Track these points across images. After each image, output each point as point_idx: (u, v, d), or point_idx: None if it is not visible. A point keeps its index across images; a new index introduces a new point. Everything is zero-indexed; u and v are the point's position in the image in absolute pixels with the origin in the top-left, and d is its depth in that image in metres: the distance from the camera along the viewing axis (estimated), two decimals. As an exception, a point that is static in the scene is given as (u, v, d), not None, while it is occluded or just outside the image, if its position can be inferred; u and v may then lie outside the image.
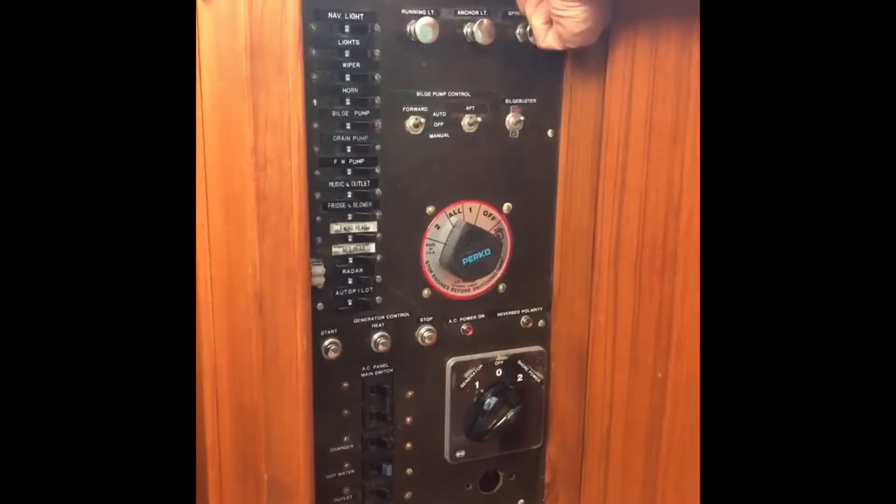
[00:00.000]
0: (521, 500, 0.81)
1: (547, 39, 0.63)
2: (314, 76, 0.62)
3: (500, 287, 0.74)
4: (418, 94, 0.66)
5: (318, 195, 0.64)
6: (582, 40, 0.62)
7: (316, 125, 0.63)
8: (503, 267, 0.74)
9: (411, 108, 0.66)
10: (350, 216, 0.66)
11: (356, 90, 0.64)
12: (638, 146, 0.64)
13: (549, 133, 0.72)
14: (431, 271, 0.71)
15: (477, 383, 0.74)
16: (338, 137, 0.64)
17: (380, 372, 0.71)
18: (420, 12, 0.64)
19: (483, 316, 0.74)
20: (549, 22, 0.62)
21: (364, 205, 0.66)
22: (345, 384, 0.69)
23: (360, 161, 0.65)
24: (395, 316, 0.70)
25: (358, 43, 0.63)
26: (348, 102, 0.64)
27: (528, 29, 0.67)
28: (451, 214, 0.70)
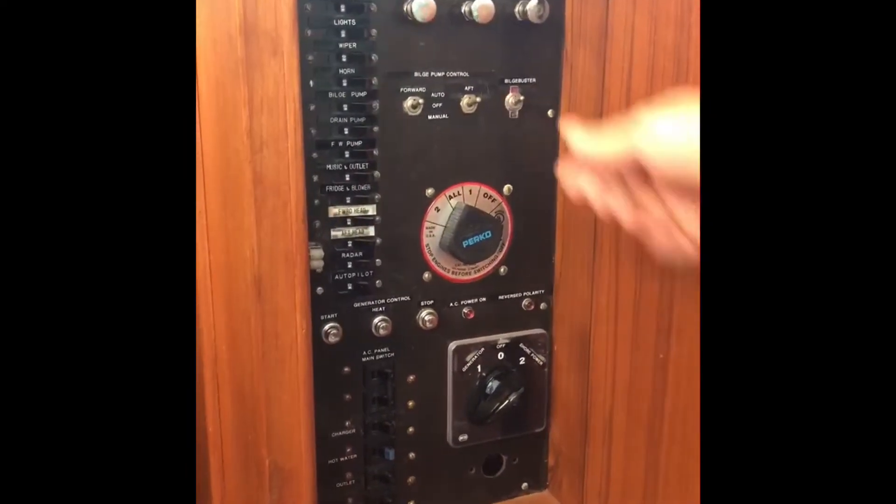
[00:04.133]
0: (525, 484, 0.81)
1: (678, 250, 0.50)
2: (310, 57, 0.61)
3: (502, 270, 0.74)
4: (416, 74, 0.65)
5: (315, 178, 0.63)
6: None
7: (312, 107, 0.62)
8: (504, 249, 0.73)
9: (409, 89, 0.65)
10: (349, 199, 0.65)
11: (353, 71, 0.63)
12: (638, 125, 0.63)
13: (550, 113, 0.71)
14: (432, 254, 0.70)
15: (479, 367, 0.74)
16: (335, 119, 0.63)
17: (381, 356, 0.70)
18: (417, -9, 0.63)
19: (484, 299, 0.74)
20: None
21: (363, 188, 0.66)
22: (346, 369, 0.69)
23: (358, 143, 0.64)
24: (396, 300, 0.70)
25: (354, 23, 0.62)
26: (345, 84, 0.63)
27: (525, 7, 0.66)
28: (450, 197, 0.70)
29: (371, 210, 0.66)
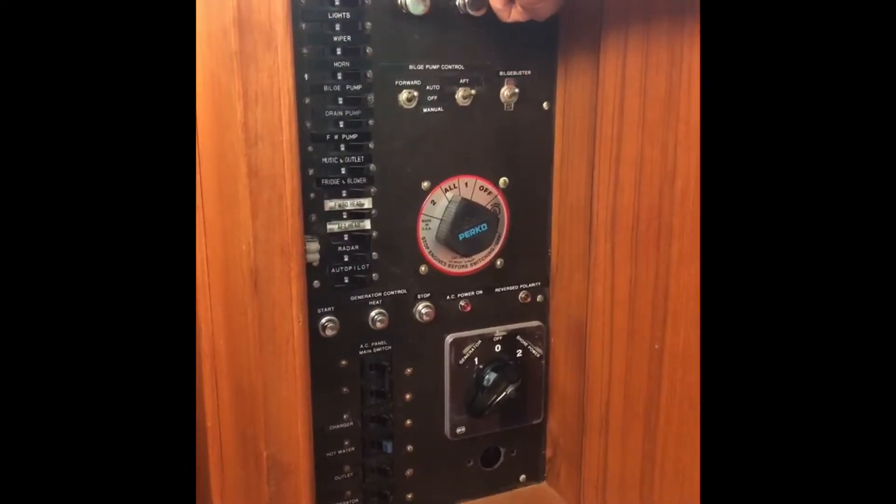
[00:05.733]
0: (523, 476, 0.81)
1: (512, 14, 0.62)
2: (304, 50, 0.61)
3: (498, 262, 0.74)
4: (411, 67, 0.66)
5: (311, 171, 0.64)
6: (547, 8, 0.62)
7: (307, 100, 0.62)
8: (500, 242, 0.73)
9: (404, 82, 0.66)
10: (344, 192, 0.65)
11: (347, 64, 0.63)
12: (632, 115, 0.63)
13: (545, 105, 0.72)
14: (428, 247, 0.70)
15: (476, 359, 0.74)
16: (330, 112, 0.63)
17: (378, 349, 0.71)
18: (411, -16, 0.63)
19: (481, 292, 0.74)
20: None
21: (358, 181, 0.66)
22: (343, 362, 0.69)
23: (354, 136, 0.65)
24: (393, 293, 0.70)
25: (348, 16, 0.62)
26: (340, 77, 0.63)
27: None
28: (446, 190, 0.70)
29: (367, 203, 0.67)
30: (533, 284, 0.76)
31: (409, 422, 0.73)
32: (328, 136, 0.64)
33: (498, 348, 0.75)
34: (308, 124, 0.63)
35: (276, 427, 0.62)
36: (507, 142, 0.71)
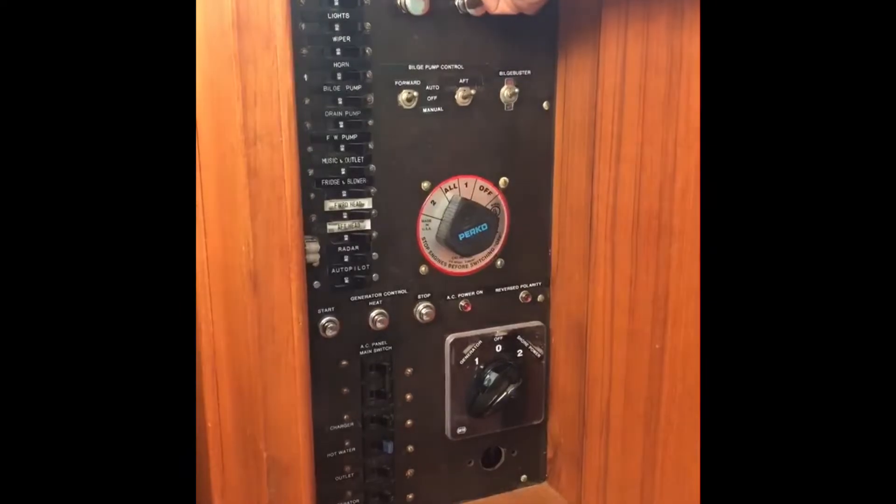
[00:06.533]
0: (524, 476, 0.81)
1: (499, 6, 0.62)
2: (304, 51, 0.61)
3: (498, 262, 0.74)
4: (410, 67, 0.65)
5: (311, 172, 0.64)
6: (537, 4, 0.61)
7: (307, 101, 0.62)
8: (501, 242, 0.73)
9: (404, 82, 0.65)
10: (344, 193, 0.65)
11: (347, 64, 0.63)
12: (632, 115, 0.63)
13: (545, 105, 0.72)
14: (428, 248, 0.70)
15: (476, 359, 0.74)
16: (329, 113, 0.63)
17: (378, 350, 0.71)
18: (410, -16, 0.63)
19: (481, 292, 0.74)
20: None
21: (358, 181, 0.66)
22: (343, 362, 0.69)
23: (353, 137, 0.64)
24: (393, 293, 0.70)
25: (348, 16, 0.62)
26: (339, 77, 0.63)
27: None
28: (446, 190, 0.70)
29: (367, 203, 0.67)
30: (533, 284, 0.76)
31: (409, 422, 0.73)
32: (328, 137, 0.64)
33: (498, 348, 0.75)
34: (307, 125, 0.63)
35: (276, 427, 0.62)
36: (507, 142, 0.71)
